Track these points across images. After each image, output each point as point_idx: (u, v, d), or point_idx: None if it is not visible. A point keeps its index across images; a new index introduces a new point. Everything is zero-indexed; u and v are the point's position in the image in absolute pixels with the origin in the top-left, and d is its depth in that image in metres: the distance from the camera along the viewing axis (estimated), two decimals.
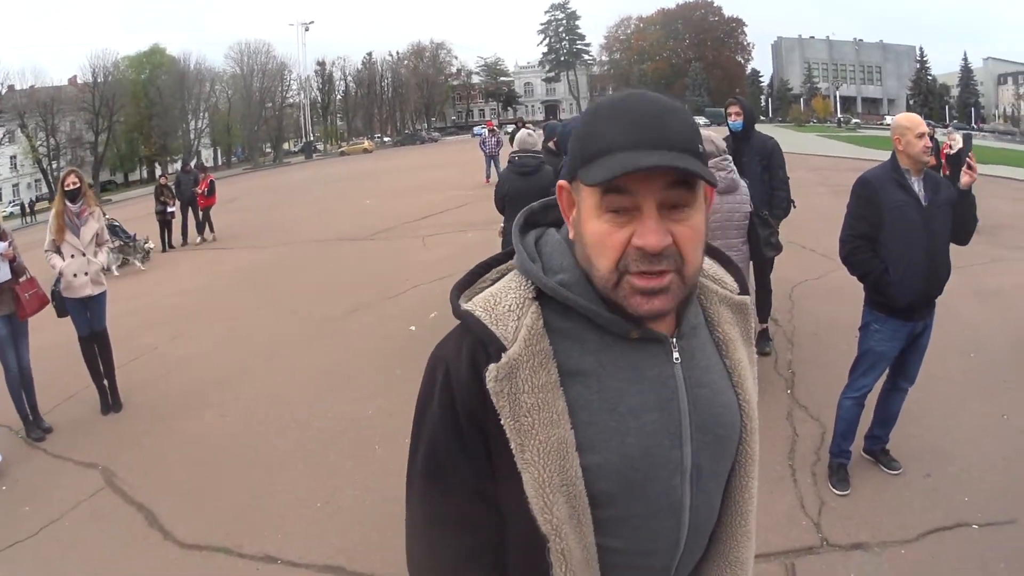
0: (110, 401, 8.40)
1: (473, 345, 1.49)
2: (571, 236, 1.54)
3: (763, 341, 8.45)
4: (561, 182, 1.56)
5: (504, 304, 1.51)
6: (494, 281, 1.64)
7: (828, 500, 5.45)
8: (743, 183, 6.82)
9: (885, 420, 5.80)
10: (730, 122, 8.22)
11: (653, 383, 1.53)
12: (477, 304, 1.53)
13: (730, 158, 6.75)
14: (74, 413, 8.42)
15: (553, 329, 1.51)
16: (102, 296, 8.26)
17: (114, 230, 19.35)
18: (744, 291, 1.80)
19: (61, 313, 8.20)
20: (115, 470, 6.87)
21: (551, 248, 1.59)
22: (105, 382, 8.42)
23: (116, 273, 17.70)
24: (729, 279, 1.79)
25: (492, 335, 1.47)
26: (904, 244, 5.12)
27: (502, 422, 1.46)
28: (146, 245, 19.79)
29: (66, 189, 8.06)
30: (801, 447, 6.29)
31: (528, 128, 10.21)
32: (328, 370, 9.10)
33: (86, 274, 8.00)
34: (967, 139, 7.35)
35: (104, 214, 8.53)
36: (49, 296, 8.01)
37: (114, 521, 5.99)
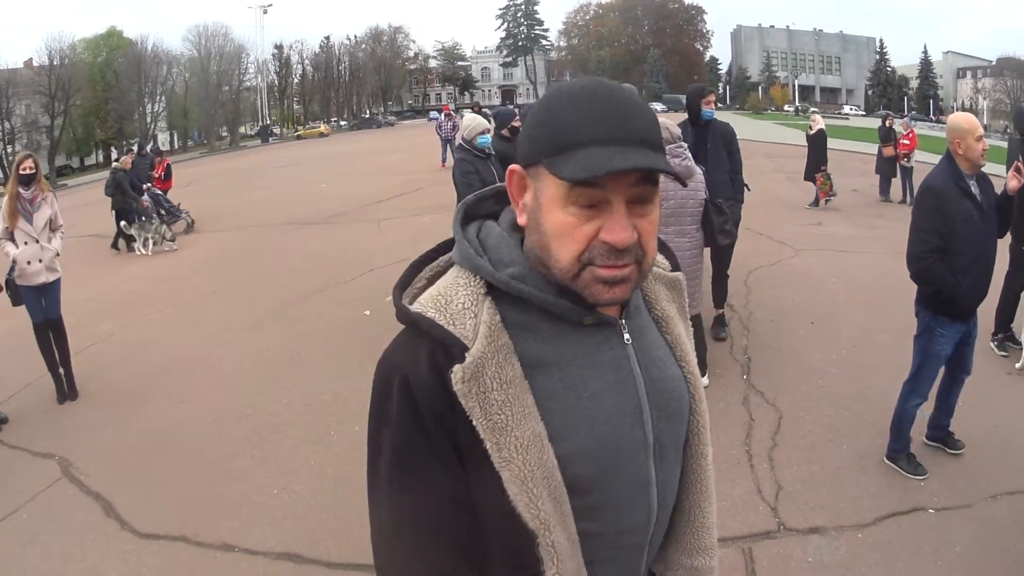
0: (66, 389, 8.28)
1: (431, 348, 1.45)
2: (522, 222, 1.53)
3: (719, 327, 8.54)
4: (515, 167, 1.52)
5: (456, 302, 1.48)
6: (430, 280, 1.62)
7: (785, 485, 5.51)
8: (699, 170, 6.83)
9: (948, 410, 5.82)
10: (707, 110, 8.18)
11: (609, 366, 1.55)
12: (427, 305, 1.49)
13: (685, 145, 6.76)
14: (30, 402, 8.31)
15: (509, 323, 1.50)
16: (57, 283, 8.16)
17: (156, 199, 19.53)
18: (676, 267, 1.84)
19: (16, 302, 8.07)
20: (72, 460, 6.80)
21: (495, 240, 1.57)
22: (61, 370, 8.30)
23: (147, 252, 17.62)
24: (661, 257, 1.81)
25: (451, 336, 1.44)
26: (973, 252, 5.11)
27: (474, 423, 1.42)
28: (183, 216, 20.00)
29: (21, 173, 7.94)
30: (757, 432, 6.34)
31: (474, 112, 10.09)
32: (283, 355, 9.07)
33: (40, 261, 7.88)
34: (1016, 144, 7.39)
35: (56, 199, 8.35)
36: (3, 284, 7.92)
37: (72, 512, 5.94)
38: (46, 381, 8.42)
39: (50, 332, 8.21)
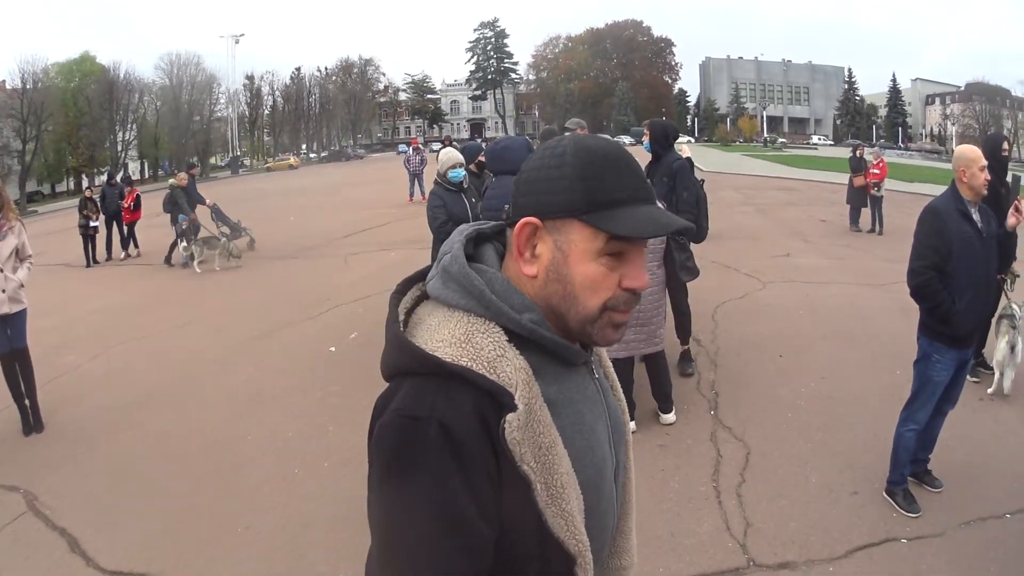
0: (31, 421, 8.17)
1: (476, 397, 1.42)
2: (531, 272, 1.56)
3: (685, 362, 8.54)
4: (530, 219, 1.54)
5: (487, 349, 1.46)
6: (404, 321, 1.60)
7: (754, 521, 5.48)
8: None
9: (928, 443, 5.84)
10: (644, 142, 8.33)
11: (592, 400, 1.66)
12: (456, 353, 1.45)
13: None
14: None
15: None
16: (22, 314, 8.02)
17: (219, 214, 19.71)
18: None
19: None
20: (37, 493, 6.71)
21: (502, 287, 1.56)
22: (27, 402, 8.19)
23: (196, 270, 17.79)
24: None
25: (498, 386, 1.43)
26: (969, 275, 5.18)
27: (523, 468, 1.44)
28: (244, 233, 20.14)
29: None
30: (725, 468, 6.32)
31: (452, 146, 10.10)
32: (248, 391, 9.01)
33: (3, 291, 7.73)
34: (1016, 181, 7.46)
35: (24, 228, 8.25)
36: None
37: (37, 547, 5.85)
38: (11, 412, 8.31)
39: (15, 363, 8.09)
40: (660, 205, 1.68)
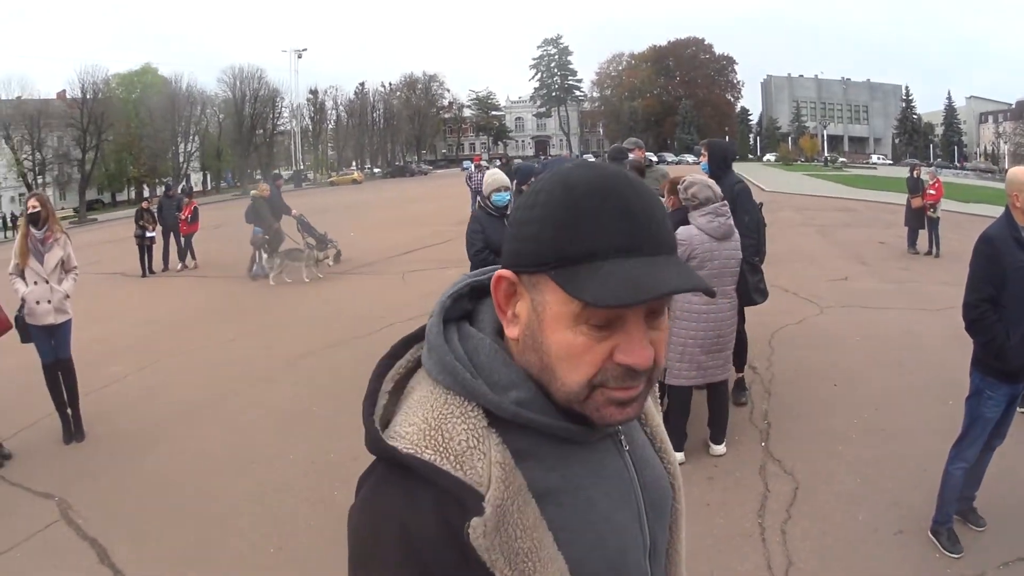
0: (73, 430, 8.23)
1: (437, 497, 1.19)
2: (512, 335, 1.30)
3: (739, 391, 8.31)
4: (503, 272, 1.28)
5: (457, 440, 1.23)
6: (394, 392, 1.38)
7: (796, 560, 5.30)
8: (735, 230, 6.70)
9: (975, 480, 5.65)
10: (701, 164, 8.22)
11: (613, 478, 1.38)
12: (418, 443, 1.23)
13: (727, 203, 6.64)
14: (35, 440, 8.29)
15: (514, 452, 1.26)
16: (67, 324, 8.14)
17: (305, 225, 19.68)
18: None
19: (25, 339, 8.05)
20: (71, 502, 6.73)
21: (487, 358, 1.32)
22: (69, 411, 8.26)
23: (271, 282, 18.07)
24: None
25: (461, 484, 1.19)
26: (1023, 306, 4.99)
27: None
28: (330, 246, 20.16)
29: (28, 213, 7.96)
30: (772, 503, 6.14)
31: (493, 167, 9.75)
32: (294, 409, 8.95)
33: (48, 302, 7.87)
34: None
35: (70, 240, 8.34)
36: (12, 321, 7.87)
37: (65, 555, 5.87)
38: (53, 420, 8.38)
39: (59, 372, 8.17)
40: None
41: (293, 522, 6.24)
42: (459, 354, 1.31)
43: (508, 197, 7.74)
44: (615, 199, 1.21)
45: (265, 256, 18.51)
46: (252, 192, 20.78)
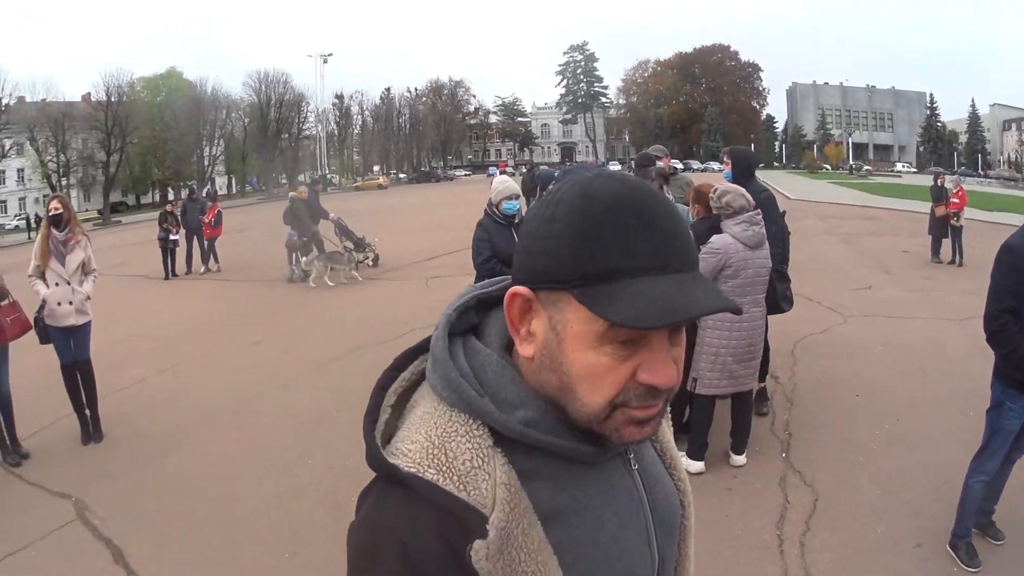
0: (91, 431, 8.29)
1: (439, 518, 1.15)
2: (527, 354, 1.23)
3: (760, 400, 8.22)
4: (518, 289, 1.21)
5: (461, 459, 1.18)
6: (397, 405, 1.33)
7: (814, 573, 5.25)
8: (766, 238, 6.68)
9: (995, 493, 5.58)
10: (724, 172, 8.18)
11: (622, 498, 1.34)
12: (420, 461, 1.18)
13: (760, 211, 6.60)
14: (54, 441, 8.35)
15: (520, 472, 1.22)
16: (87, 326, 8.18)
17: (343, 228, 20.17)
18: None
19: (44, 340, 8.10)
20: (88, 503, 6.77)
21: (494, 375, 1.26)
22: (87, 412, 8.31)
23: (311, 284, 18.25)
24: None
25: (466, 505, 1.15)
26: None
27: None
28: (368, 250, 20.62)
29: (49, 215, 8.02)
30: (791, 515, 6.07)
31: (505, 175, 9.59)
32: (315, 414, 8.92)
33: (70, 303, 7.92)
34: None
35: (90, 242, 8.38)
36: (32, 322, 7.93)
37: (80, 555, 5.90)
38: (71, 420, 8.44)
39: (78, 373, 8.22)
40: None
41: (309, 527, 6.23)
42: (465, 370, 1.27)
43: (518, 206, 7.63)
44: (641, 213, 1.15)
45: (303, 259, 18.61)
46: (291, 194, 20.93)
